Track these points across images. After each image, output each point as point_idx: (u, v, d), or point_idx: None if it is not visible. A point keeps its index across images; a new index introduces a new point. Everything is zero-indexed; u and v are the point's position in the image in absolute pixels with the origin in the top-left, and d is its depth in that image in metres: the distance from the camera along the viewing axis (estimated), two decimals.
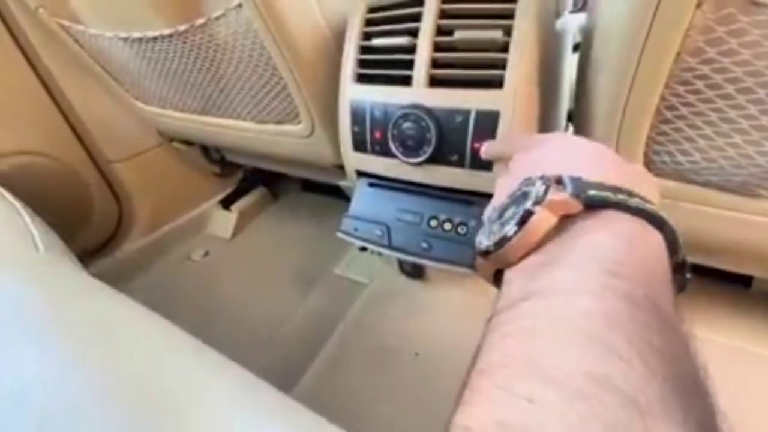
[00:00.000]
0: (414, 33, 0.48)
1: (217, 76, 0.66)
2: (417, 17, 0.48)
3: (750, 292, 0.73)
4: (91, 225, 0.94)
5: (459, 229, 0.53)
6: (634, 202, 0.21)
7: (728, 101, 0.37)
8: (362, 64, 0.53)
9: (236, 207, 1.16)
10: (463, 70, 0.46)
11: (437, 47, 0.47)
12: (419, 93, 0.48)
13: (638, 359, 0.15)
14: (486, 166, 0.48)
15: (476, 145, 0.47)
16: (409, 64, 0.49)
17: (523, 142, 0.35)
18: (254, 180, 1.23)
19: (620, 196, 0.21)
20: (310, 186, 1.26)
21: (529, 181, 0.24)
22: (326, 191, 1.17)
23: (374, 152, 0.56)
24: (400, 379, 0.67)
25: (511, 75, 0.44)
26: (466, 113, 0.47)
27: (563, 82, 0.59)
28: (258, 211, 1.21)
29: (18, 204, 0.53)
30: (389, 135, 0.51)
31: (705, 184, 0.45)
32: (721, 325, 0.68)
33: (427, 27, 0.47)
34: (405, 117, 0.49)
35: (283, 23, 0.51)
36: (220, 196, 1.19)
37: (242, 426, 0.24)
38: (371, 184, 0.60)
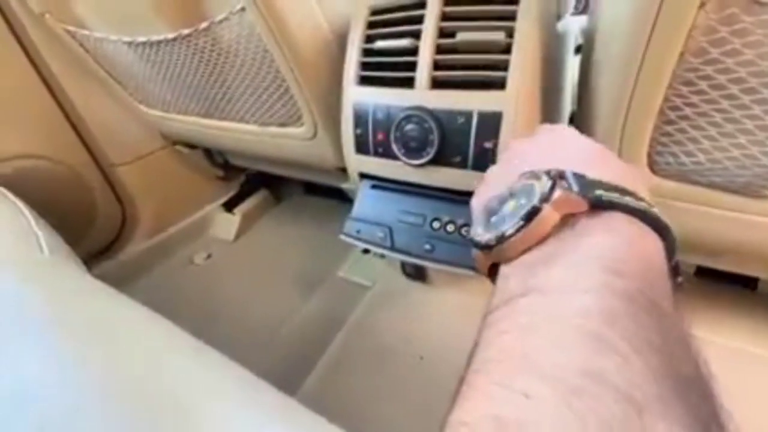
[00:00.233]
0: (416, 35, 0.48)
1: (220, 79, 0.66)
2: (419, 19, 0.48)
3: (755, 294, 0.72)
4: (94, 228, 0.94)
5: (462, 231, 0.53)
6: (639, 205, 0.21)
7: (732, 101, 0.37)
8: (365, 66, 0.53)
9: (239, 210, 1.17)
10: (466, 71, 0.47)
11: (439, 49, 0.47)
12: (422, 95, 0.49)
13: (636, 356, 0.15)
14: (489, 167, 0.48)
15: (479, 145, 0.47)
16: (412, 66, 0.49)
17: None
18: (257, 183, 1.23)
19: (626, 199, 0.21)
20: (312, 189, 1.27)
21: (532, 174, 0.23)
22: (328, 194, 1.17)
23: (377, 154, 0.56)
24: (402, 381, 0.67)
25: (513, 76, 0.44)
26: (468, 115, 0.47)
27: (565, 84, 0.59)
28: (261, 213, 1.22)
29: (23, 206, 0.54)
30: (392, 137, 0.52)
31: (709, 185, 0.44)
32: (726, 327, 0.67)
33: (429, 29, 0.47)
34: (407, 119, 0.49)
35: (286, 26, 0.51)
36: (223, 199, 1.19)
37: (243, 426, 0.24)
38: (374, 186, 0.60)
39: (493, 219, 0.24)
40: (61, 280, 0.33)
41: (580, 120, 0.54)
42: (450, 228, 0.53)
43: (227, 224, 1.15)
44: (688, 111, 0.39)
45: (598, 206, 0.21)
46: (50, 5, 0.69)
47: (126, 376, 0.25)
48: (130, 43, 0.67)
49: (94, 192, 0.94)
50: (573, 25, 0.60)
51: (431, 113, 0.48)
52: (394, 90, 0.51)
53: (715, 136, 0.40)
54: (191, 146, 1.03)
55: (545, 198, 0.21)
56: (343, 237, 0.61)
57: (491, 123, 0.46)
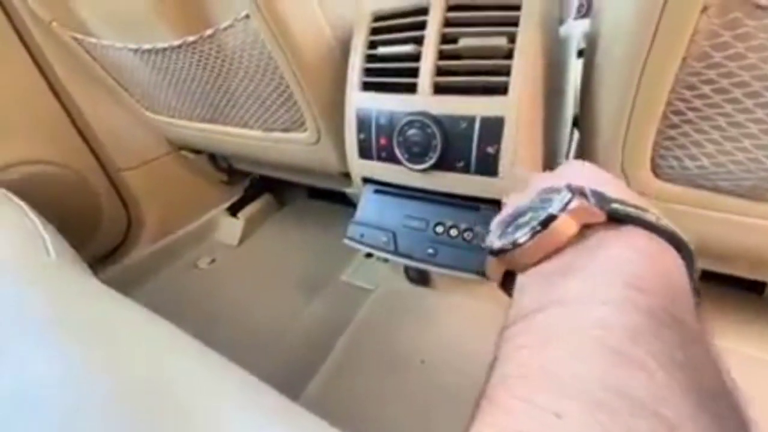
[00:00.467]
0: (419, 41, 0.48)
1: (225, 85, 0.67)
2: (422, 25, 0.48)
3: (761, 299, 0.72)
4: (100, 232, 0.95)
5: (465, 235, 0.53)
6: (659, 222, 0.21)
7: (736, 105, 0.37)
8: (368, 72, 0.54)
9: (243, 214, 1.17)
10: (468, 77, 0.47)
11: (442, 55, 0.48)
12: (424, 100, 0.49)
13: (661, 372, 0.15)
14: (492, 171, 0.49)
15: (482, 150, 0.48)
16: (415, 72, 0.49)
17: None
18: (261, 187, 1.24)
19: (645, 214, 0.21)
20: (315, 193, 1.27)
21: (551, 189, 0.23)
22: (332, 198, 1.18)
23: (380, 159, 0.56)
24: (405, 384, 0.67)
25: (515, 81, 0.44)
26: (471, 120, 0.47)
27: (568, 88, 0.59)
28: (264, 218, 1.22)
29: (29, 210, 0.54)
30: (395, 142, 0.52)
31: (714, 189, 0.44)
32: (732, 331, 0.66)
33: (431, 35, 0.48)
34: (410, 124, 0.49)
35: (290, 33, 0.52)
36: (227, 204, 1.20)
37: (245, 428, 0.24)
38: (377, 191, 0.61)
39: (509, 228, 0.24)
40: (66, 283, 0.33)
41: (583, 123, 0.54)
42: (453, 232, 0.53)
43: (231, 228, 1.16)
44: (691, 115, 0.39)
45: (616, 219, 0.21)
46: (57, 13, 0.71)
47: (129, 378, 0.25)
48: (135, 50, 0.68)
49: (100, 197, 0.95)
50: (575, 30, 0.60)
51: (434, 118, 0.48)
52: (397, 95, 0.51)
53: (719, 140, 0.39)
54: (196, 151, 1.04)
55: (563, 207, 0.21)
56: (346, 241, 0.61)
57: (494, 128, 0.46)
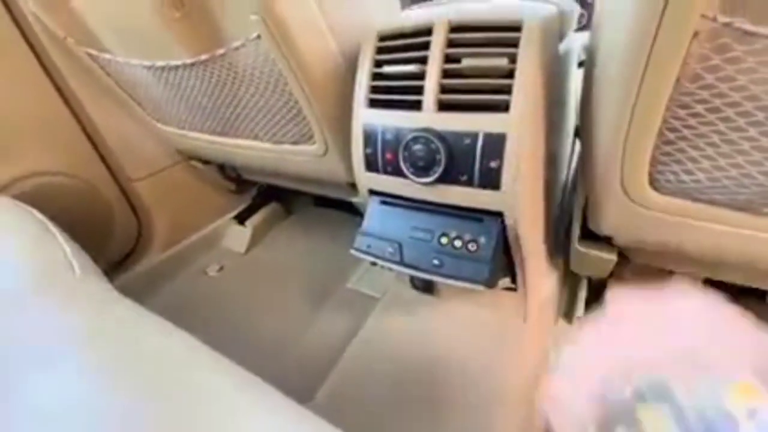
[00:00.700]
0: (423, 61, 0.50)
1: (236, 101, 0.69)
2: (426, 46, 0.50)
3: (764, 304, 0.72)
4: (112, 241, 0.98)
5: (469, 246, 0.54)
6: None
7: (729, 123, 0.38)
8: (374, 89, 0.56)
9: (251, 222, 1.19)
10: (471, 95, 0.49)
11: (445, 74, 0.49)
12: (429, 117, 0.51)
13: None
14: (494, 185, 0.50)
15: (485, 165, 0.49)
16: (419, 90, 0.51)
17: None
18: (268, 196, 1.26)
19: None
20: (322, 201, 1.29)
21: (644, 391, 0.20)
22: (338, 206, 1.20)
23: (386, 172, 0.58)
24: (414, 394, 0.68)
25: (516, 99, 0.46)
26: (474, 136, 0.49)
27: (569, 99, 0.61)
28: (271, 226, 1.24)
29: (50, 224, 0.56)
30: (400, 156, 0.54)
31: (710, 202, 0.45)
32: None
33: (435, 55, 0.49)
34: (415, 140, 0.51)
35: (299, 52, 0.54)
36: (235, 212, 1.22)
37: None
38: (383, 202, 0.62)
39: None
40: (95, 303, 0.35)
41: (583, 134, 0.56)
42: (458, 243, 0.55)
43: (239, 236, 1.18)
44: (686, 132, 0.41)
45: None
46: (72, 30, 0.73)
47: (158, 396, 0.27)
48: (149, 67, 0.70)
49: (112, 206, 0.97)
50: (576, 43, 0.61)
51: (438, 134, 0.50)
52: (402, 112, 0.53)
53: (714, 156, 0.41)
54: (205, 161, 1.06)
55: None
56: (353, 252, 0.62)
57: (496, 144, 0.48)
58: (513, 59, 0.46)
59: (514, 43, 0.46)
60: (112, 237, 0.98)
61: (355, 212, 0.87)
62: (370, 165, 0.59)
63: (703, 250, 0.51)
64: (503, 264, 0.61)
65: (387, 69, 0.53)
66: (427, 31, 0.50)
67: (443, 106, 0.50)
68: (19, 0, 0.73)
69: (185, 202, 1.12)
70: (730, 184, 0.42)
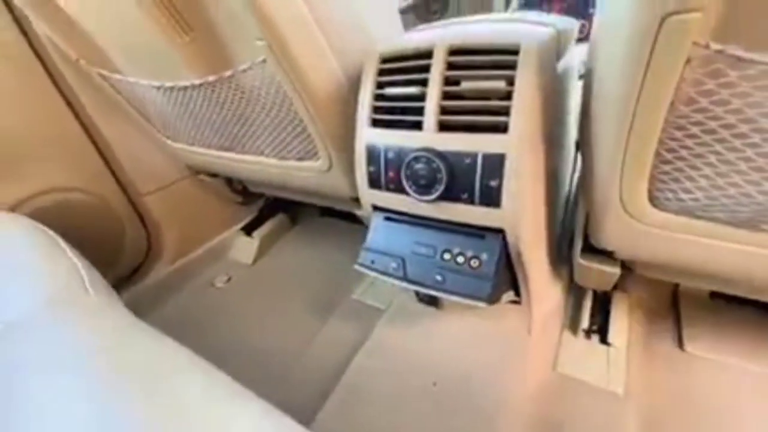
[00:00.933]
0: (424, 83, 0.51)
1: (242, 119, 0.71)
2: (426, 68, 0.51)
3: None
4: (122, 255, 1.00)
5: (471, 263, 0.55)
6: None
7: (725, 144, 0.39)
8: (376, 110, 0.57)
9: (257, 233, 1.21)
10: (470, 116, 0.50)
11: (445, 96, 0.50)
12: (430, 137, 0.52)
13: None
14: (495, 203, 0.51)
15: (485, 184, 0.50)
16: (420, 111, 0.52)
17: None
18: (274, 207, 1.28)
19: None
20: (327, 211, 1.31)
21: None
22: (343, 216, 1.21)
23: (389, 190, 0.59)
24: (417, 405, 0.69)
25: (514, 121, 0.47)
26: (474, 155, 0.50)
27: (569, 116, 0.61)
28: (278, 237, 1.26)
29: (61, 241, 0.58)
30: (403, 175, 0.55)
31: (712, 219, 0.46)
32: (749, 351, 0.67)
33: (435, 77, 0.51)
34: (417, 159, 0.52)
35: (303, 74, 0.56)
36: (242, 224, 1.25)
37: None
38: (387, 218, 0.64)
39: None
40: (108, 322, 0.37)
41: (584, 149, 0.56)
42: (460, 259, 0.56)
43: (246, 247, 1.20)
44: (683, 152, 0.41)
45: None
46: (84, 52, 0.76)
47: (153, 414, 0.28)
48: (158, 87, 0.72)
49: (123, 220, 1.00)
50: (576, 58, 0.62)
51: (439, 154, 0.51)
52: (404, 132, 0.54)
53: (711, 176, 0.41)
54: (213, 175, 1.08)
55: None
56: (357, 267, 0.63)
57: (495, 163, 0.49)
58: (511, 81, 0.47)
59: (512, 66, 0.47)
60: (122, 251, 1.00)
61: (361, 222, 0.88)
62: (374, 182, 0.60)
63: (704, 265, 0.52)
64: (506, 279, 0.62)
65: (389, 90, 0.55)
66: (428, 54, 0.51)
67: (444, 127, 0.51)
68: (33, 23, 0.75)
69: (194, 214, 1.14)
70: (729, 203, 0.42)
